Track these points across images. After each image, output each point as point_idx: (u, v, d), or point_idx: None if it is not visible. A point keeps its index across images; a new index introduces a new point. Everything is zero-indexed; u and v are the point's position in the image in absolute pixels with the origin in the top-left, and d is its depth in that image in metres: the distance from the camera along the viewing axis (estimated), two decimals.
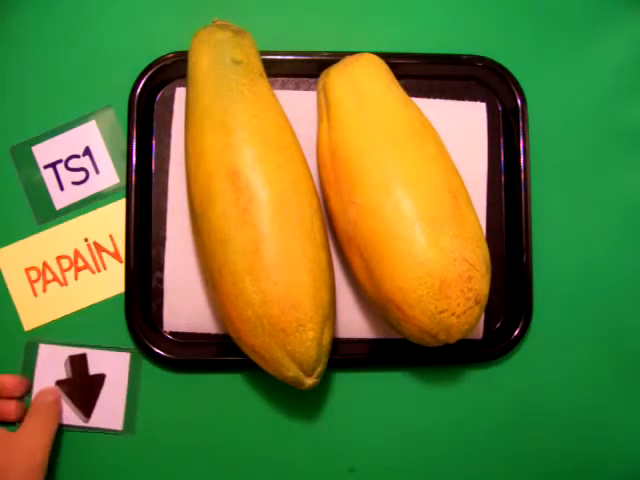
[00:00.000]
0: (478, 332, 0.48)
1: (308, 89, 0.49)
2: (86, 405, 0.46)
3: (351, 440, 0.47)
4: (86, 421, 0.46)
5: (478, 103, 0.49)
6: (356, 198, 0.40)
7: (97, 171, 0.48)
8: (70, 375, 0.46)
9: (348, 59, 0.44)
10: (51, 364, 0.46)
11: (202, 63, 0.41)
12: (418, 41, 0.50)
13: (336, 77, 0.43)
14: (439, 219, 0.38)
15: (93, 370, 0.47)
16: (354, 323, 0.47)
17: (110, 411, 0.46)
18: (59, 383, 0.46)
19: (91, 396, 0.46)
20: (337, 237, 0.43)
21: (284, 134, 0.41)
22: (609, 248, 0.49)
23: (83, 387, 0.46)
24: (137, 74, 0.47)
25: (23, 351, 0.47)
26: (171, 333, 0.47)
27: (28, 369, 0.46)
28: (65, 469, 0.46)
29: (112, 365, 0.47)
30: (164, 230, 0.47)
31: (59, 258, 0.48)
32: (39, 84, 0.49)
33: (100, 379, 0.47)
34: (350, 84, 0.42)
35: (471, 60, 0.49)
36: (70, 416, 0.46)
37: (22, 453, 0.42)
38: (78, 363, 0.46)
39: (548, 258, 0.49)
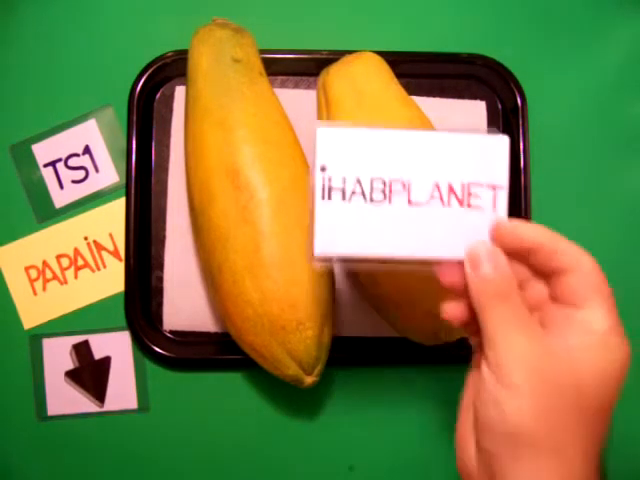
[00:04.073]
0: None
1: (308, 88, 0.49)
2: (98, 391, 0.46)
3: (351, 438, 0.47)
4: (101, 406, 0.46)
5: (478, 102, 0.49)
6: None
7: (97, 170, 0.48)
8: (77, 364, 0.47)
9: (348, 57, 0.44)
10: (57, 356, 0.47)
11: (202, 62, 0.41)
12: (418, 40, 0.50)
13: (336, 76, 0.43)
14: None
15: (98, 355, 0.47)
16: (354, 321, 0.47)
17: (122, 391, 0.47)
18: (68, 374, 0.46)
19: (101, 381, 0.46)
20: None
21: (284, 132, 0.41)
22: (609, 248, 0.49)
23: (92, 373, 0.46)
24: (137, 73, 0.47)
25: (26, 348, 0.47)
26: (171, 332, 0.47)
27: (37, 365, 0.46)
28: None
29: (115, 346, 0.47)
30: (164, 229, 0.47)
31: (59, 257, 0.48)
32: (39, 83, 0.49)
33: (106, 362, 0.47)
34: (350, 83, 0.42)
35: (471, 59, 0.49)
36: (85, 405, 0.46)
37: None
38: (82, 350, 0.47)
39: None
